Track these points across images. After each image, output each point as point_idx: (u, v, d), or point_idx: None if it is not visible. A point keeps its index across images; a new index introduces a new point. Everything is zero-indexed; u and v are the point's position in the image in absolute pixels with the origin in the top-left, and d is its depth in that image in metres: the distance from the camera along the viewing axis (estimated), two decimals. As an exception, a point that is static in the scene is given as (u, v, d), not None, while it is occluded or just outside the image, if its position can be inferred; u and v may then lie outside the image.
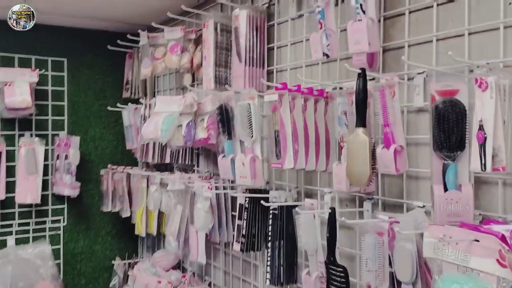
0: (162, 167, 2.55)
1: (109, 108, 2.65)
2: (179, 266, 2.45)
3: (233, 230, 2.00)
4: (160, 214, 2.30)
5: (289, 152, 1.38)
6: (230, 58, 1.82)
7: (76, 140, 2.55)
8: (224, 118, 1.68)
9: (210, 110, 1.88)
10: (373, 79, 1.28)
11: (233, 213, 2.01)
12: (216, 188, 1.87)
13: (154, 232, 2.31)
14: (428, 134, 1.16)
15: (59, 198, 2.65)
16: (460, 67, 1.07)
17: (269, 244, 1.58)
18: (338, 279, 1.30)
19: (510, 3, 1.02)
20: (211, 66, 1.82)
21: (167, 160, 2.25)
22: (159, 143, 2.21)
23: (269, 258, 1.59)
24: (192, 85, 2.26)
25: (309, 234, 1.42)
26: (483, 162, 0.90)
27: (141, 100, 2.27)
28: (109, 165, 2.64)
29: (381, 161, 1.13)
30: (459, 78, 1.01)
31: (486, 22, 1.06)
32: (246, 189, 1.72)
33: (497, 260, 0.89)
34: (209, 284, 2.21)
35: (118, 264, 2.54)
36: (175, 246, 2.05)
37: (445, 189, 1.01)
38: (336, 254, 1.30)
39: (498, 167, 0.89)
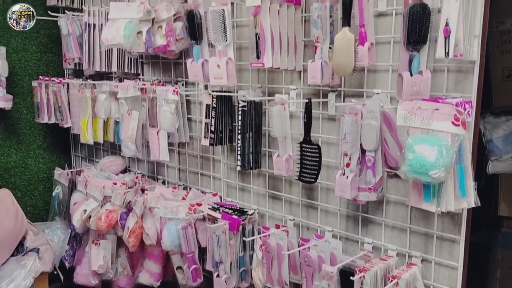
0: (96, 77, 2.57)
1: (37, 17, 2.53)
2: (125, 171, 2.58)
3: (190, 132, 2.20)
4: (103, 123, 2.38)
5: (268, 53, 1.59)
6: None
7: (3, 51, 2.43)
8: (193, 24, 1.80)
9: (165, 17, 1.97)
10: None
11: (189, 116, 2.19)
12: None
13: (101, 140, 2.40)
14: (387, 34, 1.46)
15: (-15, 113, 2.55)
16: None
17: (239, 136, 1.82)
18: (312, 155, 1.60)
19: None
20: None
21: (114, 69, 2.31)
22: (105, 52, 2.25)
23: (239, 148, 1.83)
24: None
25: (280, 124, 1.68)
26: (446, 50, 1.22)
27: (84, 7, 2.24)
28: (40, 77, 2.57)
29: (357, 55, 1.40)
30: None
31: None
32: (213, 91, 1.90)
33: (452, 122, 1.24)
34: (163, 182, 2.39)
35: (60, 173, 2.58)
36: (134, 149, 2.18)
37: (411, 75, 1.33)
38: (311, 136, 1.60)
39: (457, 54, 1.22)
